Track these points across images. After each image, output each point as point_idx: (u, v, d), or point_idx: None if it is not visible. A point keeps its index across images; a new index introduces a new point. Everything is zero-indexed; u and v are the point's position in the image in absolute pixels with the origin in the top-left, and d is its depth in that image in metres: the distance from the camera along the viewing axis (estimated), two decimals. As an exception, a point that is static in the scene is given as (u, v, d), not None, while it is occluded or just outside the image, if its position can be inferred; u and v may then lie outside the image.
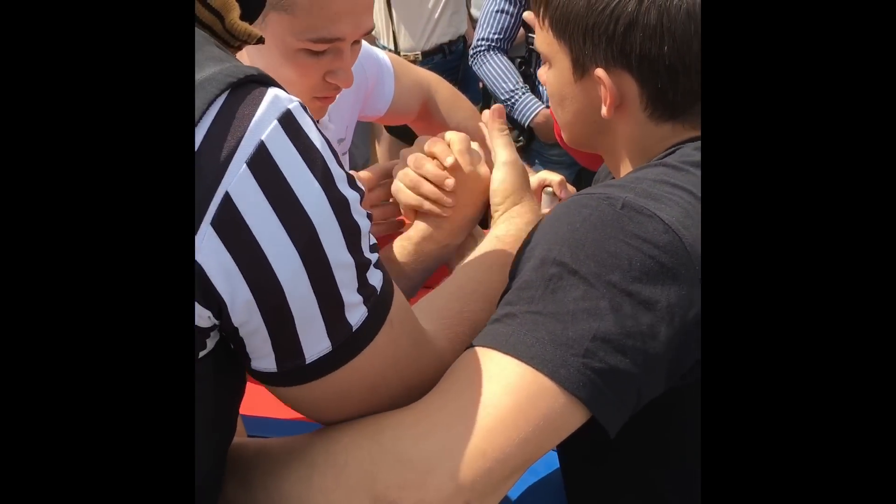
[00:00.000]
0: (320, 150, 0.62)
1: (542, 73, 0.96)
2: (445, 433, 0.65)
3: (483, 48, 2.69)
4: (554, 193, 1.29)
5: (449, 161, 1.01)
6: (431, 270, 1.04)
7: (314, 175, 0.60)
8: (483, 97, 3.30)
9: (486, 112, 1.06)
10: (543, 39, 0.92)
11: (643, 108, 0.87)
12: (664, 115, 0.87)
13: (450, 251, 1.03)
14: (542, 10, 0.91)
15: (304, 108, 0.62)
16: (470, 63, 2.80)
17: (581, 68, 0.88)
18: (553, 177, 1.35)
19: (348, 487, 0.66)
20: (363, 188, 0.67)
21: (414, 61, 3.26)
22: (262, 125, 0.58)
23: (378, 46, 3.32)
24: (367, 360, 0.66)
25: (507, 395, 0.67)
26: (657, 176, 0.80)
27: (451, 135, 1.03)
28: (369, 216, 0.67)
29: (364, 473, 0.65)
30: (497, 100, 2.70)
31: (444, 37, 3.27)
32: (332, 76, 1.07)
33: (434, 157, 1.03)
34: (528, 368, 0.68)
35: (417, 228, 1.04)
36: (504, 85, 2.66)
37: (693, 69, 0.83)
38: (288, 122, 0.60)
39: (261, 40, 0.69)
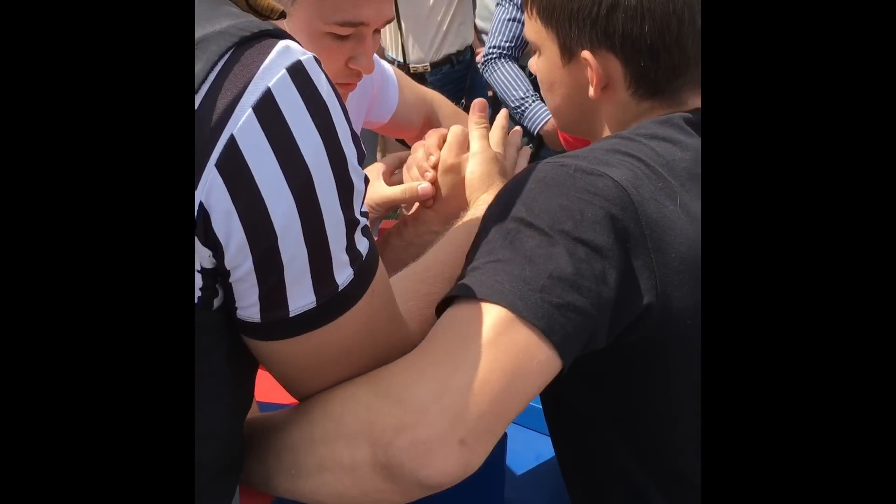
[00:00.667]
0: (327, 103, 0.63)
1: (533, 63, 1.00)
2: (435, 373, 0.68)
3: (494, 56, 2.72)
4: None
5: (432, 159, 1.07)
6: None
7: (316, 126, 0.61)
8: (493, 105, 3.32)
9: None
10: (532, 28, 0.97)
11: (627, 87, 0.92)
12: (646, 94, 0.92)
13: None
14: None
15: (318, 63, 0.64)
16: (481, 71, 2.82)
17: (568, 52, 0.93)
18: None
19: (347, 435, 0.68)
20: (364, 150, 0.68)
21: (423, 73, 3.29)
22: (271, 72, 0.60)
23: (387, 58, 3.36)
24: (347, 323, 0.67)
25: (484, 332, 0.70)
26: (610, 146, 0.85)
27: (453, 128, 1.08)
28: (366, 180, 0.69)
29: (361, 420, 0.67)
30: (507, 107, 2.73)
31: (452, 47, 3.30)
32: (354, 62, 1.11)
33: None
34: (495, 306, 0.71)
35: (413, 215, 1.10)
36: (514, 93, 2.68)
37: (673, 46, 0.88)
38: (297, 71, 0.61)
39: (283, 15, 0.72)
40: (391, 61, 3.34)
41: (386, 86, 1.54)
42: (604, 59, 0.90)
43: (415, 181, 1.09)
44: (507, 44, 2.69)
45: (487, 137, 1.04)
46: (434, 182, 1.06)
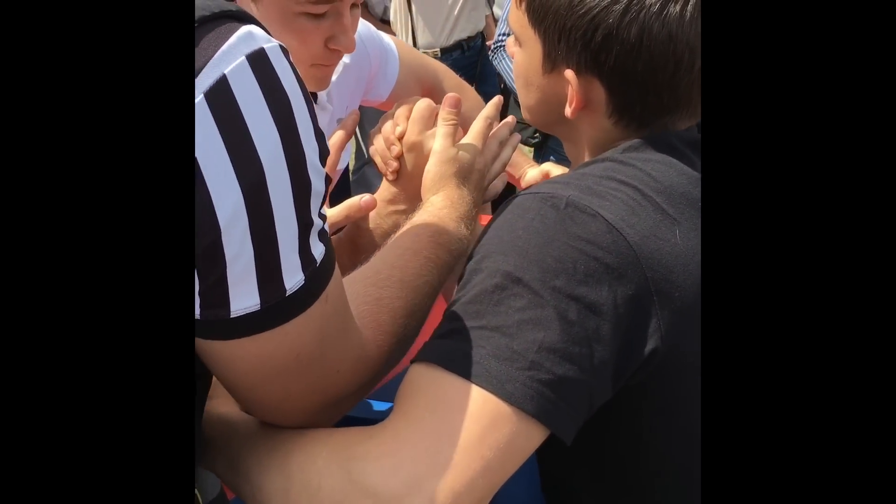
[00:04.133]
0: (289, 96, 0.59)
1: (511, 46, 0.94)
2: (412, 469, 0.65)
3: (503, 44, 2.69)
4: None
5: (398, 130, 1.03)
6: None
7: (274, 120, 0.58)
8: (502, 93, 3.29)
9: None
10: (518, 20, 0.90)
11: (608, 115, 0.86)
12: (630, 126, 0.86)
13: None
14: None
15: (284, 52, 0.60)
16: (490, 58, 2.79)
17: (551, 63, 0.87)
18: (556, 169, 1.35)
19: None
20: (329, 149, 0.65)
21: (433, 58, 3.26)
22: (228, 58, 0.56)
23: (397, 43, 3.33)
24: (296, 329, 0.64)
25: (468, 423, 0.67)
26: (602, 172, 0.80)
27: (418, 103, 1.04)
28: (328, 179, 0.65)
29: (335, 503, 0.66)
30: (515, 96, 2.69)
31: (463, 33, 3.27)
32: (333, 42, 1.08)
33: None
34: (482, 392, 0.68)
35: (378, 194, 1.08)
36: (522, 81, 2.65)
37: (664, 88, 0.82)
38: (258, 59, 0.57)
39: None
40: (401, 46, 3.32)
41: (386, 62, 1.49)
42: (587, 83, 0.84)
43: (380, 153, 1.06)
44: (517, 31, 2.65)
45: (452, 136, 0.99)
46: (399, 157, 1.03)
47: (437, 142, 0.99)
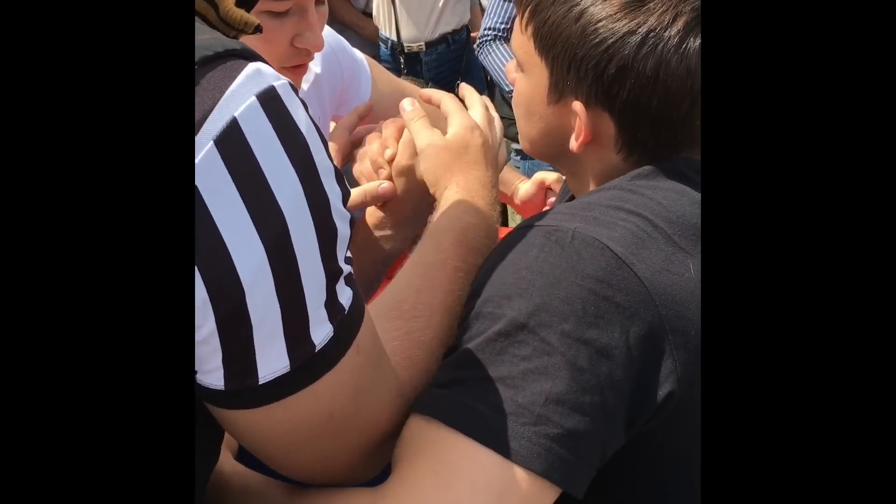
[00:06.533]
0: (305, 137, 0.55)
1: (512, 71, 0.89)
2: None
3: (490, 38, 2.63)
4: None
5: (388, 153, 0.95)
6: (384, 264, 0.99)
7: (293, 164, 0.53)
8: (488, 87, 3.24)
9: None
10: (522, 45, 0.84)
11: (617, 150, 0.81)
12: (640, 161, 0.80)
13: (400, 243, 0.98)
14: (526, 12, 0.82)
15: (294, 89, 0.56)
16: (476, 53, 2.74)
17: (558, 93, 0.81)
18: (549, 175, 1.31)
19: None
20: (349, 189, 0.61)
21: (417, 52, 3.20)
22: (237, 100, 0.51)
23: (381, 38, 3.27)
24: (328, 386, 0.59)
25: (475, 492, 0.63)
26: (609, 201, 0.75)
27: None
28: (352, 222, 0.60)
29: None
30: (501, 91, 2.65)
31: (448, 26, 3.20)
32: (300, 40, 1.02)
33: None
34: (488, 453, 0.64)
35: (367, 218, 1.00)
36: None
37: (679, 124, 0.78)
38: (269, 99, 0.53)
39: (259, 29, 0.64)
40: (384, 41, 3.25)
41: (357, 75, 1.44)
42: (596, 117, 0.79)
43: (367, 176, 0.97)
44: (503, 25, 2.59)
45: (429, 125, 0.91)
46: (389, 180, 0.95)
47: (419, 136, 0.90)
